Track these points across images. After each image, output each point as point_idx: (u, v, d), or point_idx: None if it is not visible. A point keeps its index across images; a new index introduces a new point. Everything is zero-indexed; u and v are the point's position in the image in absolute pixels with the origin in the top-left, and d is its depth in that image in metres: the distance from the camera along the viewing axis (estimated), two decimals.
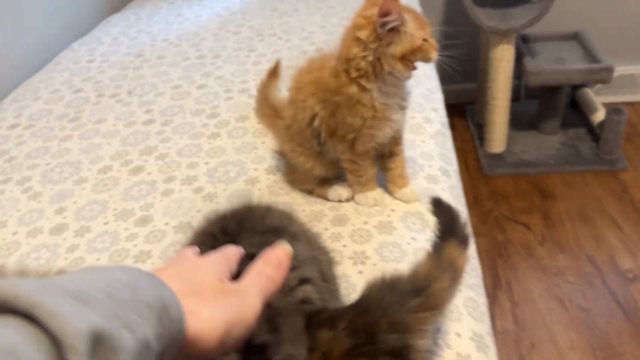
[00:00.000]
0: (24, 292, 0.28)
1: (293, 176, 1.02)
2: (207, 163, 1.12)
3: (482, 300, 0.83)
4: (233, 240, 0.59)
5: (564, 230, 1.92)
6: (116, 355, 0.28)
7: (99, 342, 0.28)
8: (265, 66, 1.48)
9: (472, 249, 0.91)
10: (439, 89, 1.37)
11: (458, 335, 0.73)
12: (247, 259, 0.52)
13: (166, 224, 0.96)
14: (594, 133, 2.31)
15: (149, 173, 1.10)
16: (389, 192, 0.98)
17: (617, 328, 1.55)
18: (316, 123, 0.90)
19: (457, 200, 1.00)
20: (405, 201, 0.95)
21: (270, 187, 1.03)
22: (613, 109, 2.12)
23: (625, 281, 1.69)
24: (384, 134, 0.89)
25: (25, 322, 0.27)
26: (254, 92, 1.37)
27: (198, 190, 1.04)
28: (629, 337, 1.52)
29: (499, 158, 2.28)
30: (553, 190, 2.11)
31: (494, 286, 1.73)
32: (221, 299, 0.42)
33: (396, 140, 0.93)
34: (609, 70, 2.02)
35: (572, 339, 1.54)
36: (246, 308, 0.43)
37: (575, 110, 2.47)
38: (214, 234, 0.65)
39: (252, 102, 1.32)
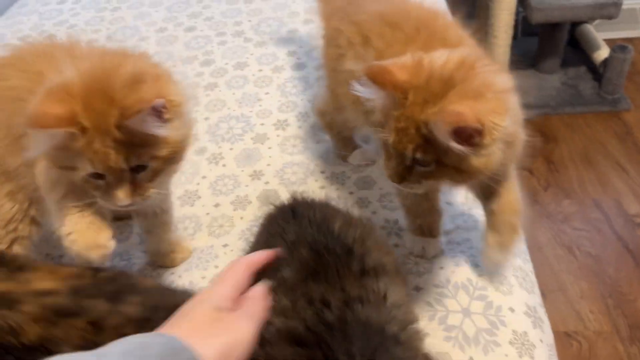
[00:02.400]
0: None
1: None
2: (207, 119, 1.00)
3: (529, 267, 0.76)
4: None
5: (567, 174, 1.87)
6: None
7: None
8: (260, 5, 1.34)
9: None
10: None
11: (512, 310, 0.66)
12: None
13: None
14: (595, 72, 2.22)
15: None
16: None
17: (626, 274, 1.53)
18: None
19: None
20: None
21: (281, 145, 0.93)
22: (618, 47, 2.02)
23: (633, 226, 1.66)
24: None
25: None
26: (249, 34, 1.24)
27: (201, 151, 0.93)
28: (639, 283, 1.50)
29: None
30: (555, 132, 2.04)
31: None
32: (215, 326, 0.46)
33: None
34: (617, 5, 1.92)
35: (582, 287, 1.51)
36: (240, 334, 0.46)
37: (574, 48, 2.37)
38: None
39: (249, 47, 1.19)
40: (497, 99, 0.51)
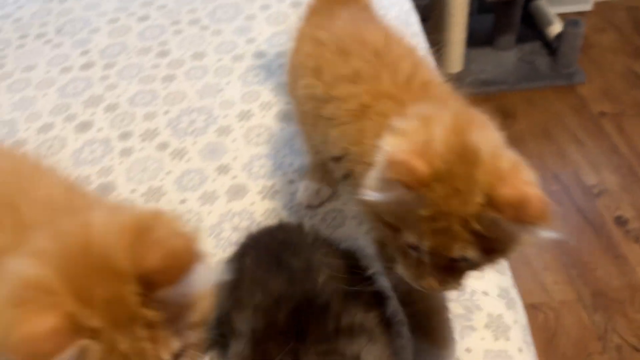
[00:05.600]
0: None
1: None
2: (166, 112, 0.97)
3: None
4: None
5: (527, 149, 1.90)
6: None
7: None
8: None
9: None
10: (413, 10, 1.24)
11: (485, 293, 0.67)
12: None
13: (133, 190, 0.82)
14: (550, 47, 2.26)
15: (100, 129, 0.95)
16: None
17: (587, 244, 1.58)
18: None
19: None
20: None
21: (246, 136, 0.91)
22: (570, 21, 2.06)
23: (591, 197, 1.71)
24: None
25: None
26: (205, 22, 1.20)
27: (162, 146, 0.90)
28: (600, 252, 1.55)
29: (457, 79, 2.20)
30: (513, 108, 2.08)
31: None
32: None
33: None
34: None
35: (545, 259, 1.55)
36: None
37: (528, 24, 2.40)
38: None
39: (206, 35, 1.16)
40: (517, 162, 0.47)
